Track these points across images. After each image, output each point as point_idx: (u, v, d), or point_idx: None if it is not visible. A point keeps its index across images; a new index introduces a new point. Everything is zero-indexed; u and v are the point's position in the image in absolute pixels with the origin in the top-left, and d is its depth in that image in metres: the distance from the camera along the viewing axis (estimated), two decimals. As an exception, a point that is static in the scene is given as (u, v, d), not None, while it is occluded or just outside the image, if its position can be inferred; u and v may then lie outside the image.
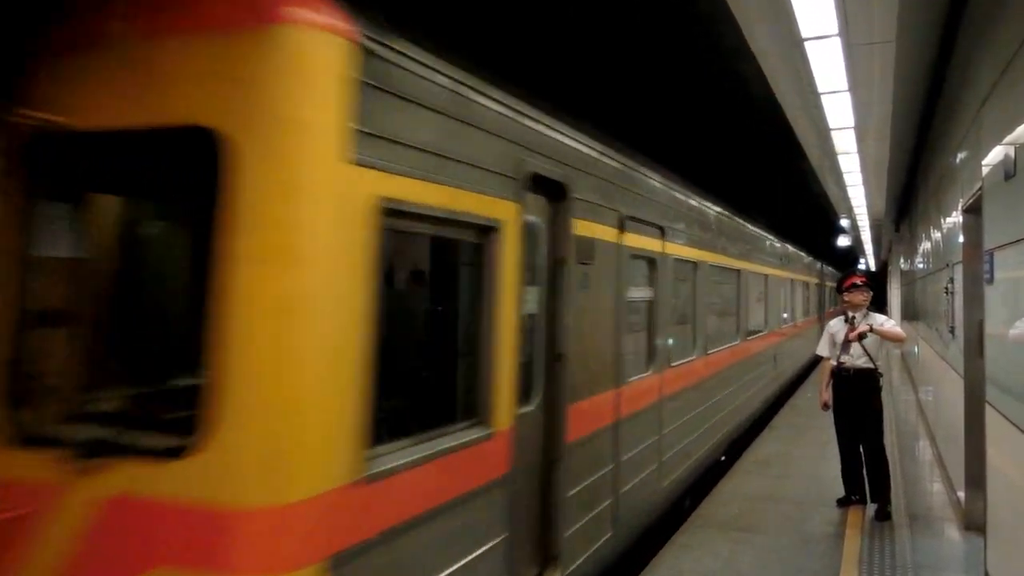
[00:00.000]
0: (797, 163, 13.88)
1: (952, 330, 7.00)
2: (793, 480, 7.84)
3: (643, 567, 5.39)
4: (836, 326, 6.85)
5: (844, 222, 23.04)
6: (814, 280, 20.12)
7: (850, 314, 6.74)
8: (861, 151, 10.77)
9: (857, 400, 6.60)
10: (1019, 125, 3.81)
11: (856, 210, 18.81)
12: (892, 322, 7.03)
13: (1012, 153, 3.92)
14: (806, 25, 5.81)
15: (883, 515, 6.48)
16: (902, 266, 19.79)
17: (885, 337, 6.62)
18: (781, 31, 5.99)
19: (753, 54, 6.78)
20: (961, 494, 6.32)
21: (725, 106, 13.08)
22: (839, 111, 8.42)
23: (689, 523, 6.37)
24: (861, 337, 6.51)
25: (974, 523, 5.75)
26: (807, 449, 9.20)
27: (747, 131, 14.53)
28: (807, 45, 6.24)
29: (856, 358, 6.59)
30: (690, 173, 8.07)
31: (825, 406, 6.89)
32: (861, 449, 6.70)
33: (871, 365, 6.58)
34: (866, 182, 13.84)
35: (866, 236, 26.52)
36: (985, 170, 4.79)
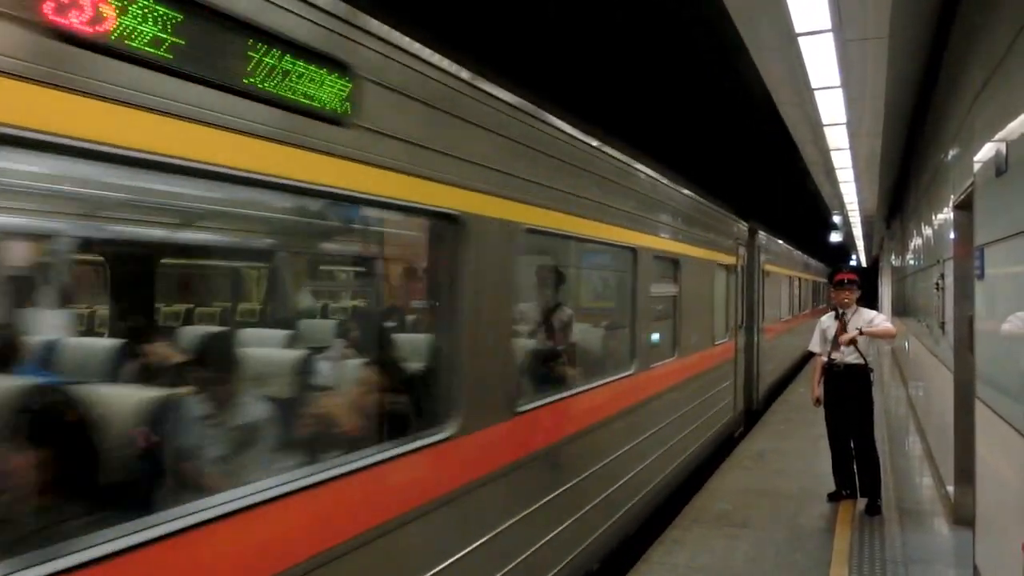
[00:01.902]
0: (790, 159, 13.91)
1: (942, 326, 7.04)
2: (785, 475, 7.87)
3: (635, 562, 5.41)
4: (827, 322, 6.88)
5: (836, 218, 23.11)
6: (728, 259, 9.93)
7: (840, 310, 6.78)
8: (853, 147, 10.79)
9: (848, 396, 6.62)
10: (1011, 121, 3.81)
11: (848, 206, 18.84)
12: (882, 317, 7.07)
13: (1004, 149, 3.92)
14: (800, 20, 5.82)
15: (873, 510, 6.52)
16: (893, 262, 19.83)
17: (875, 337, 6.67)
18: (776, 26, 5.99)
19: (747, 49, 6.78)
20: (951, 489, 6.36)
21: (720, 101, 13.09)
22: (832, 107, 8.43)
23: (681, 518, 6.38)
24: (852, 342, 6.56)
25: (963, 517, 5.78)
26: (799, 444, 9.24)
27: (742, 126, 14.56)
28: (801, 40, 6.24)
29: (847, 354, 6.62)
30: (689, 171, 8.04)
31: (817, 402, 6.92)
32: (852, 444, 6.74)
33: (862, 361, 6.61)
34: (858, 178, 13.87)
35: (858, 232, 26.64)
36: (977, 166, 4.80)
